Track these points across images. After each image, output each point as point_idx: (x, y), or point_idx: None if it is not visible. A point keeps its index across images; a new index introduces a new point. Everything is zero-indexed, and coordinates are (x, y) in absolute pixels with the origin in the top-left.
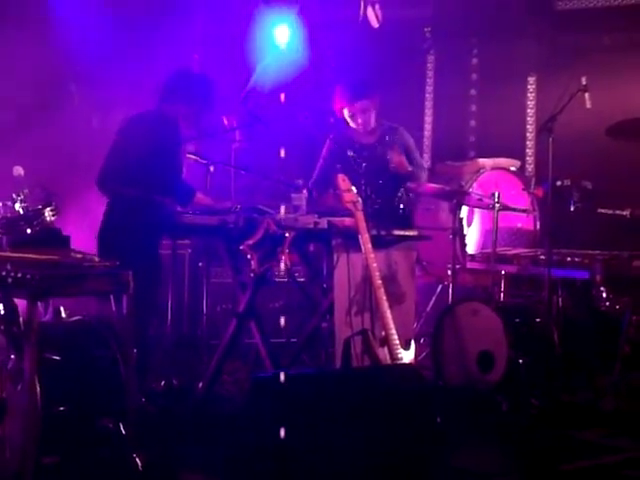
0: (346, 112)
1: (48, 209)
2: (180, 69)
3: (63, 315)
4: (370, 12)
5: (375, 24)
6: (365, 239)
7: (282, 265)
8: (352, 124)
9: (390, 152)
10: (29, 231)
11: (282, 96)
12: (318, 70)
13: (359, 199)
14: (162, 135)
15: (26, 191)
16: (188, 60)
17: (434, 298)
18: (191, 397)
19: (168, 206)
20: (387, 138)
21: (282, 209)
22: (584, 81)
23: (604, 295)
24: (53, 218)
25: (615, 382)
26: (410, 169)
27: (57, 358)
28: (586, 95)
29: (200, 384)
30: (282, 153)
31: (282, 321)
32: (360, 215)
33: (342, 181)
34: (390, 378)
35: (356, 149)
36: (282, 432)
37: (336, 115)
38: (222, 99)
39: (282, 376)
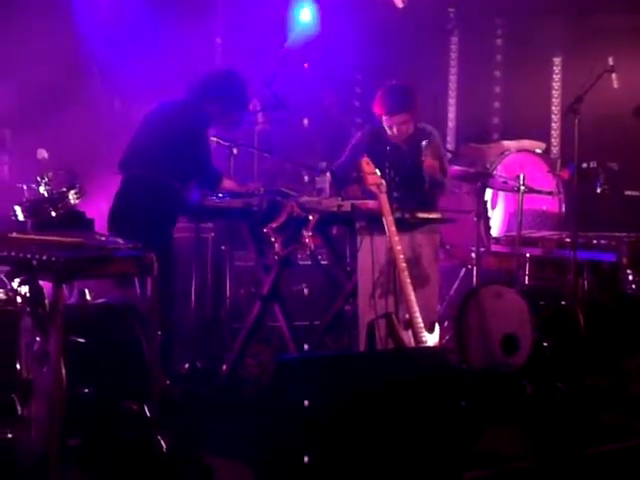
0: (384, 119)
1: (72, 192)
2: (218, 70)
3: (88, 297)
4: None
5: (400, 4)
6: (389, 222)
7: (305, 248)
8: (388, 131)
9: (425, 153)
10: (54, 214)
11: (306, 65)
12: (342, 53)
13: (383, 182)
14: (190, 124)
15: (50, 174)
16: (211, 44)
17: (457, 281)
18: (215, 380)
19: (185, 192)
20: (423, 144)
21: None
22: (611, 61)
23: (630, 278)
24: (77, 201)
25: None
26: (439, 178)
27: (82, 340)
28: (613, 75)
29: (224, 367)
30: (305, 122)
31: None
32: (384, 198)
33: (366, 164)
34: (417, 360)
35: (387, 148)
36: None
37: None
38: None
39: (306, 359)
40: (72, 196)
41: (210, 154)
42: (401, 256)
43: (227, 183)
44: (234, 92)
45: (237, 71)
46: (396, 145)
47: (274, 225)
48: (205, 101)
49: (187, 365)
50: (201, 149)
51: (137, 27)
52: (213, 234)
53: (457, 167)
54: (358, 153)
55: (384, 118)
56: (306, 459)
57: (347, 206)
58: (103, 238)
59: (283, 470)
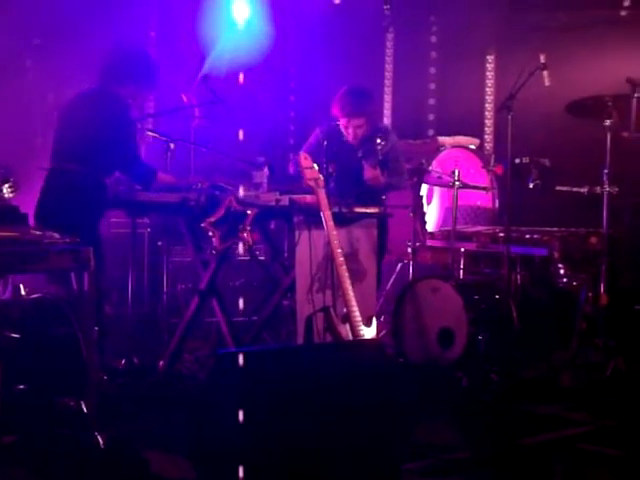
0: (341, 121)
1: (6, 186)
2: (121, 47)
3: (23, 293)
4: None
5: (336, 0)
6: (327, 216)
7: (244, 243)
8: (344, 132)
9: (365, 165)
10: None
11: (241, 76)
12: (278, 48)
13: (320, 176)
14: (109, 112)
15: None
16: (145, 37)
17: (394, 276)
18: (152, 375)
19: (113, 185)
20: (377, 142)
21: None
22: (543, 59)
23: (562, 272)
24: (11, 195)
25: (572, 358)
26: (383, 180)
27: (17, 336)
28: (545, 73)
29: (161, 362)
30: (241, 135)
31: (241, 301)
32: (322, 192)
33: (304, 159)
34: (354, 353)
35: (338, 146)
36: (240, 415)
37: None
38: (181, 76)
39: (245, 352)
40: (6, 190)
41: (136, 146)
42: (339, 250)
43: (165, 178)
44: (140, 68)
45: (137, 46)
46: (351, 146)
47: (212, 219)
48: (116, 85)
49: (123, 361)
50: (122, 137)
51: (71, 20)
52: (149, 229)
53: None
54: (311, 149)
55: (341, 120)
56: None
57: (285, 200)
58: (39, 233)
59: (221, 463)
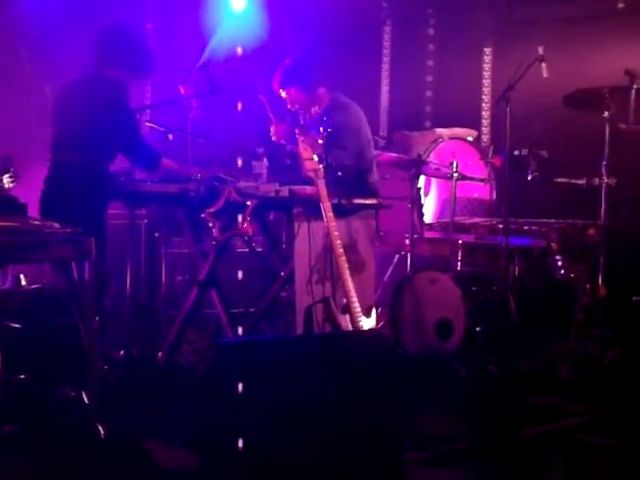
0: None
1: (6, 176)
2: (107, 30)
3: (23, 283)
4: None
5: None
6: (327, 207)
7: (243, 234)
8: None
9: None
10: None
11: (239, 50)
12: (274, 40)
13: (320, 167)
14: (106, 96)
15: None
16: (142, 28)
17: (391, 268)
18: (151, 366)
19: (116, 173)
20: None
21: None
22: (541, 51)
23: (559, 263)
24: (12, 185)
25: (570, 349)
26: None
27: (18, 326)
28: (543, 65)
29: (160, 354)
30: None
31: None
32: (321, 183)
33: (304, 150)
34: (356, 343)
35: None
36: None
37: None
38: (178, 67)
39: (246, 342)
40: (7, 180)
41: (139, 129)
42: (338, 241)
43: (169, 164)
44: (132, 45)
45: (134, 29)
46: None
47: (212, 210)
48: (109, 67)
49: (122, 352)
50: (123, 120)
51: (67, 12)
52: (146, 221)
53: (391, 154)
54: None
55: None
56: (240, 443)
57: (285, 191)
58: (38, 222)
59: (221, 453)
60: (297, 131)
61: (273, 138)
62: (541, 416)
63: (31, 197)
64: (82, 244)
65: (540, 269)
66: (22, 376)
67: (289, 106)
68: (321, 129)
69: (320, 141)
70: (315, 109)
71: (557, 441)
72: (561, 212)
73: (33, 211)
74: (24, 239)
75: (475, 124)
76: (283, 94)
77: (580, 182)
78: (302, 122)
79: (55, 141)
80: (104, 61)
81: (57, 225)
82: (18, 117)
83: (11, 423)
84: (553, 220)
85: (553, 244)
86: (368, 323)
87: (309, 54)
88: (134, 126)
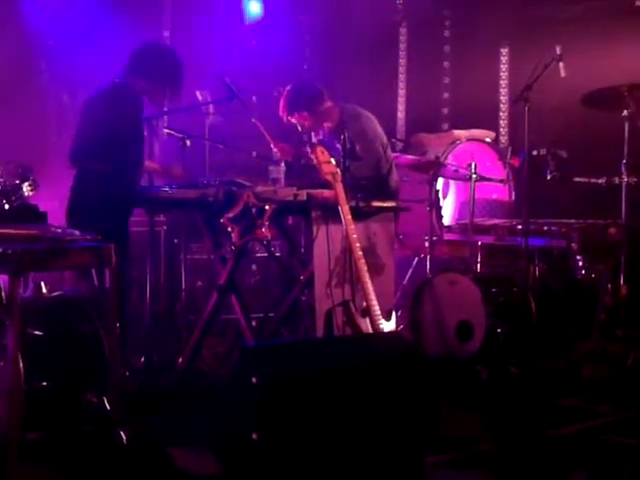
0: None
1: (26, 184)
2: (147, 43)
3: (44, 290)
4: None
5: None
6: (345, 210)
7: (262, 238)
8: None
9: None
10: (7, 207)
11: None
12: (292, 43)
13: (338, 170)
14: (122, 106)
15: (2, 167)
16: (158, 37)
17: (410, 271)
18: (172, 372)
19: (134, 179)
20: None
21: None
22: (558, 50)
23: (580, 263)
24: (32, 193)
25: (592, 349)
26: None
27: (39, 333)
28: (560, 64)
29: (180, 359)
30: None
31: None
32: (339, 187)
33: (321, 153)
34: (378, 346)
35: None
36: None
37: None
38: (195, 73)
39: (268, 346)
40: (26, 188)
41: (141, 140)
42: (357, 244)
43: (150, 165)
44: (163, 65)
45: (166, 45)
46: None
47: (231, 215)
48: (134, 77)
49: (143, 358)
50: (131, 132)
51: (84, 20)
52: (165, 227)
53: (409, 156)
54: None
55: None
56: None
57: (303, 195)
58: (59, 230)
59: (244, 456)
60: (309, 149)
61: (277, 158)
62: (565, 417)
63: (51, 205)
64: (102, 251)
65: (561, 269)
66: (44, 383)
67: (300, 129)
68: (338, 146)
69: (333, 161)
70: (327, 125)
71: (583, 442)
72: (581, 212)
73: (53, 219)
74: (45, 247)
75: (493, 125)
76: (293, 120)
77: (600, 181)
78: (321, 137)
79: (78, 148)
80: (139, 70)
81: (77, 232)
82: (36, 125)
83: (36, 430)
84: (573, 220)
85: (573, 244)
86: (388, 326)
87: (308, 73)
88: (139, 135)
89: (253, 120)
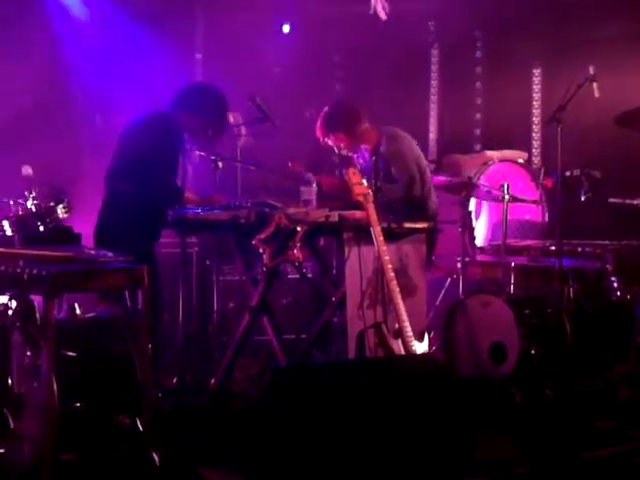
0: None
1: (60, 206)
2: (198, 84)
3: (78, 312)
4: (379, 5)
5: (383, 17)
6: (377, 232)
7: (294, 259)
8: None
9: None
10: (42, 228)
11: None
12: (324, 64)
13: (370, 192)
14: (163, 134)
15: (37, 189)
16: (191, 60)
17: (443, 292)
18: (204, 393)
19: (164, 205)
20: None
21: None
22: (592, 70)
23: (615, 285)
24: (66, 215)
25: (629, 372)
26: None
27: (73, 354)
28: (594, 84)
29: (212, 381)
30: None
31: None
32: (371, 208)
33: (352, 174)
34: (412, 367)
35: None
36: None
37: None
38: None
39: (301, 367)
40: (61, 210)
41: (176, 171)
42: (389, 266)
43: (190, 197)
44: (209, 107)
45: (216, 88)
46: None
47: (262, 236)
48: (179, 111)
49: (175, 379)
50: (166, 162)
51: (117, 43)
52: (197, 248)
53: (441, 177)
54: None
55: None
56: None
57: (334, 217)
58: (93, 252)
59: (274, 478)
60: (344, 171)
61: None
62: (601, 440)
63: (84, 226)
64: (135, 272)
65: (595, 291)
66: (78, 404)
67: (337, 151)
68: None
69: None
70: (364, 147)
71: (618, 465)
72: (616, 233)
73: (87, 240)
74: (79, 268)
75: (525, 146)
76: (329, 142)
77: (635, 202)
78: (362, 162)
79: (113, 171)
80: (184, 106)
81: (110, 254)
82: (70, 148)
83: (69, 451)
84: (607, 241)
85: (608, 265)
86: (421, 347)
87: (345, 95)
88: (174, 167)
89: (290, 164)
